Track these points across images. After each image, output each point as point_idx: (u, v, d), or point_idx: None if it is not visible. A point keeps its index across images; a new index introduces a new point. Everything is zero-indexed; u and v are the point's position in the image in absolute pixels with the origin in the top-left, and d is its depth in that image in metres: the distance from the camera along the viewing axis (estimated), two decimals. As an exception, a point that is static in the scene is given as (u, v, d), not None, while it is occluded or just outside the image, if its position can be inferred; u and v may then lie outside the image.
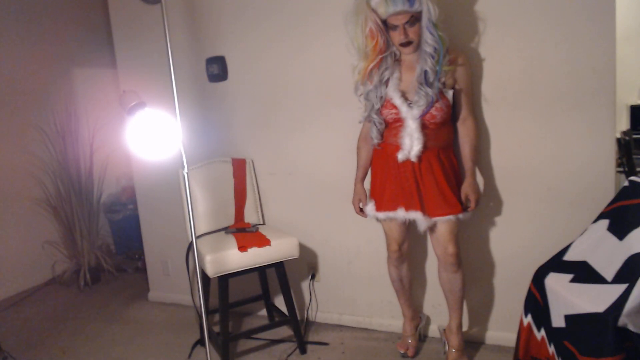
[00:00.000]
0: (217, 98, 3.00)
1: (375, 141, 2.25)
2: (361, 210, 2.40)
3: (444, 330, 2.46)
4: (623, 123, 4.22)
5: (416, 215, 2.17)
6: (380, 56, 2.14)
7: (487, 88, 2.33)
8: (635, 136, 3.63)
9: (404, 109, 2.11)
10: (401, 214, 2.20)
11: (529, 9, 2.20)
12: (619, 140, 3.17)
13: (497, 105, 2.33)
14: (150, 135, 2.04)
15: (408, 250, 2.41)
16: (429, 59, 2.06)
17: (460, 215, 2.17)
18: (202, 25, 2.96)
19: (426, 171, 2.15)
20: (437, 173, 2.15)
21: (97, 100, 4.26)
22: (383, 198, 2.26)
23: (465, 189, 2.20)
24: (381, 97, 2.17)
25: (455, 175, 2.22)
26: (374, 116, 2.20)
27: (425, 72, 2.07)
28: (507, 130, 2.33)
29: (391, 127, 2.19)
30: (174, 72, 2.09)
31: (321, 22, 2.61)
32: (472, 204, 2.19)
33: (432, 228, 2.25)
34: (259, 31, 2.80)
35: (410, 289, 2.49)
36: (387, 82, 2.16)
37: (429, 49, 2.05)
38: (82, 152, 4.00)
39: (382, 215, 2.27)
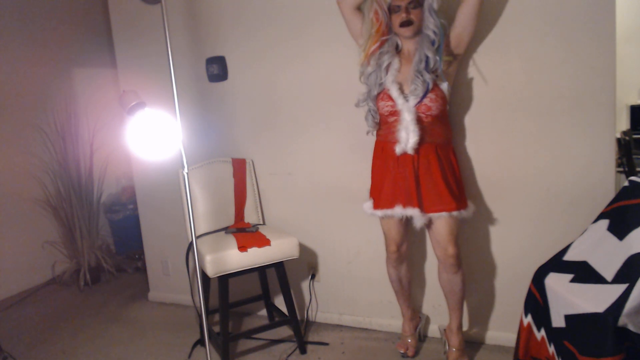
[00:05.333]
0: (217, 98, 3.00)
1: (370, 128, 2.30)
2: None
3: (445, 330, 2.46)
4: (623, 123, 4.22)
5: (413, 212, 2.17)
6: (382, 38, 2.18)
7: (487, 88, 2.33)
8: (635, 136, 3.63)
9: (400, 101, 2.13)
10: (398, 210, 2.20)
11: (529, 9, 2.20)
12: (619, 140, 3.17)
13: (496, 105, 2.33)
14: (150, 135, 2.04)
15: (407, 251, 2.41)
16: (430, 45, 2.09)
17: (455, 213, 2.17)
18: (202, 25, 2.96)
19: (424, 167, 2.16)
20: (434, 169, 2.16)
21: (97, 100, 4.26)
22: (381, 196, 2.26)
23: None
24: (380, 84, 2.19)
25: (453, 174, 2.22)
26: (370, 104, 2.24)
27: (427, 57, 2.09)
28: (507, 130, 2.33)
29: (387, 123, 2.21)
30: (174, 72, 2.09)
31: (322, 24, 2.60)
32: None
33: (431, 228, 2.25)
34: (260, 32, 2.80)
35: (409, 289, 2.50)
36: (387, 69, 2.18)
37: (429, 32, 2.09)
38: (82, 152, 3.99)
39: (380, 213, 2.27)
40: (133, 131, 2.04)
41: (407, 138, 2.12)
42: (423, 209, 2.17)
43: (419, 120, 2.12)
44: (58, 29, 4.15)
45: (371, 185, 2.36)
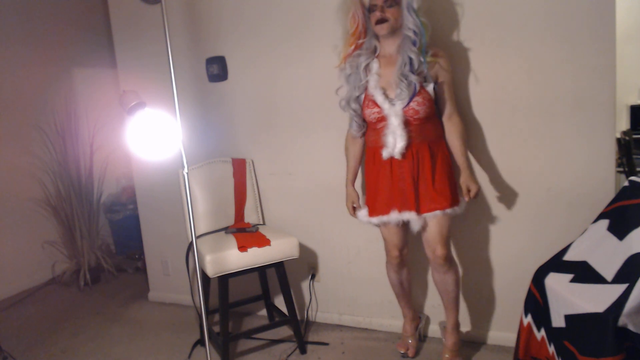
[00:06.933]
0: (217, 98, 3.00)
1: (356, 134, 2.29)
2: (355, 212, 2.39)
3: (444, 327, 2.46)
4: (623, 123, 4.22)
5: (410, 216, 2.15)
6: (358, 41, 2.15)
7: (487, 88, 2.33)
8: (635, 136, 3.62)
9: (385, 106, 2.09)
10: (394, 216, 2.18)
11: (529, 9, 2.20)
12: (619, 140, 3.16)
13: (497, 105, 2.33)
14: (150, 135, 2.04)
15: (408, 255, 2.40)
16: (412, 46, 2.05)
17: (449, 210, 2.15)
18: (202, 25, 2.96)
19: (419, 167, 2.13)
20: (426, 168, 2.13)
21: (97, 100, 4.26)
22: (376, 203, 2.24)
23: (465, 181, 2.16)
24: (360, 86, 2.16)
25: (447, 170, 2.19)
26: (353, 105, 2.20)
27: (411, 59, 2.05)
28: (507, 131, 2.33)
29: (376, 129, 2.17)
30: (174, 72, 2.09)
31: (322, 24, 2.60)
32: (472, 193, 2.14)
33: (424, 228, 2.22)
34: (260, 31, 2.80)
35: (410, 291, 2.49)
36: (366, 70, 2.15)
37: (409, 33, 2.04)
38: (82, 152, 4.00)
39: (375, 220, 2.25)
40: (133, 131, 2.04)
41: (395, 143, 2.09)
42: (419, 211, 2.15)
43: (407, 124, 2.09)
44: (58, 29, 4.15)
45: (366, 193, 2.33)
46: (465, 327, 2.56)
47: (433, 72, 2.12)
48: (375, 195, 2.24)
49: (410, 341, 2.50)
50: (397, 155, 2.10)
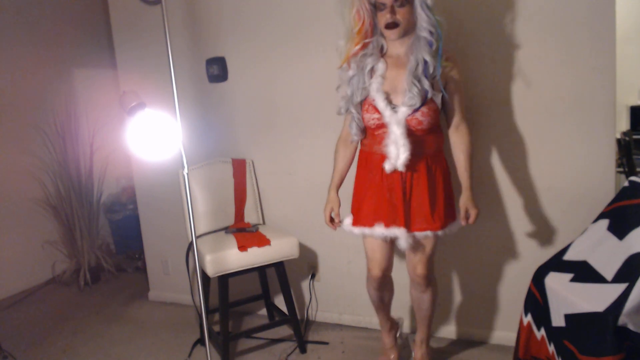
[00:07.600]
0: (217, 98, 3.00)
1: (355, 138, 2.07)
2: (332, 221, 2.16)
3: (414, 340, 2.37)
4: (623, 123, 4.22)
5: (399, 232, 1.97)
6: (364, 41, 1.95)
7: (487, 88, 2.33)
8: (635, 136, 3.63)
9: (387, 113, 1.89)
10: (379, 230, 1.98)
11: (529, 9, 2.20)
12: (619, 141, 3.17)
13: (497, 105, 2.33)
14: (150, 136, 2.05)
15: (390, 276, 2.20)
16: (427, 47, 1.84)
17: (440, 232, 2.01)
18: (202, 26, 2.96)
19: (414, 182, 1.97)
20: (422, 185, 1.96)
21: (97, 100, 4.25)
22: (360, 212, 2.06)
23: (465, 203, 2.01)
24: (363, 89, 1.95)
25: (445, 188, 2.03)
26: (353, 110, 2.00)
27: (425, 62, 1.84)
28: (507, 130, 2.33)
29: (374, 135, 1.99)
30: (174, 72, 2.09)
31: (321, 25, 2.61)
32: (472, 218, 2.00)
33: (410, 245, 2.03)
34: (260, 32, 2.80)
35: (390, 304, 2.31)
36: (371, 73, 1.95)
37: (424, 33, 1.84)
38: (82, 152, 3.99)
39: (357, 230, 2.06)
40: (133, 131, 2.04)
41: (397, 154, 1.88)
42: (410, 228, 1.98)
43: (409, 133, 1.89)
44: (58, 29, 4.14)
45: (353, 200, 2.14)
46: (464, 326, 2.56)
47: (444, 77, 1.92)
48: (361, 203, 2.06)
49: (392, 357, 2.35)
50: (401, 167, 1.90)
